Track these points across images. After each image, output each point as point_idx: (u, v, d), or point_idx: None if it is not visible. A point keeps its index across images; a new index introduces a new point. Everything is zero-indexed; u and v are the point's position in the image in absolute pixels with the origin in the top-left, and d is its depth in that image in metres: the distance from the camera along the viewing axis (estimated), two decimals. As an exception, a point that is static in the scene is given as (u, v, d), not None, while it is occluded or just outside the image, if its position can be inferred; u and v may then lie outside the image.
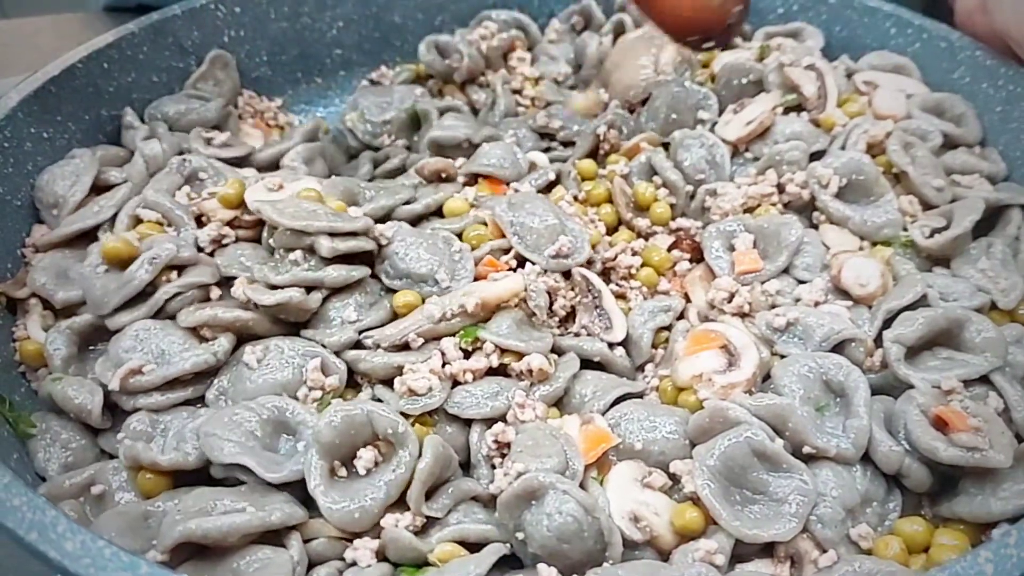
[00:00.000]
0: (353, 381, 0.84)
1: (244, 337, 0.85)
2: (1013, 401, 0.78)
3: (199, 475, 0.77)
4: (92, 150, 1.05)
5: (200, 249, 0.93)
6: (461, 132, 1.13)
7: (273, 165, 1.12)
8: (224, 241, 0.94)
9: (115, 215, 0.95)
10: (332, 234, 0.86)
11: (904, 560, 0.71)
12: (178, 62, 1.20)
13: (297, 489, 0.73)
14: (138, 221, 0.94)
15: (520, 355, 0.83)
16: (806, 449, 0.75)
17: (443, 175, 1.00)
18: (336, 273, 0.86)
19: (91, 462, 0.81)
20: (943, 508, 0.75)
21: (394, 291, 0.89)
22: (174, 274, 0.87)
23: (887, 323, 0.85)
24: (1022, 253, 0.94)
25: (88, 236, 0.96)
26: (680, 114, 1.11)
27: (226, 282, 0.90)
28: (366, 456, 0.73)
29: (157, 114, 1.12)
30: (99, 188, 1.01)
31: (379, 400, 0.80)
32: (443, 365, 0.81)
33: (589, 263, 0.93)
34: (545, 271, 0.90)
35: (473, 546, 0.71)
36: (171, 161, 1.02)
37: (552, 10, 1.40)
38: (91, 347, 0.89)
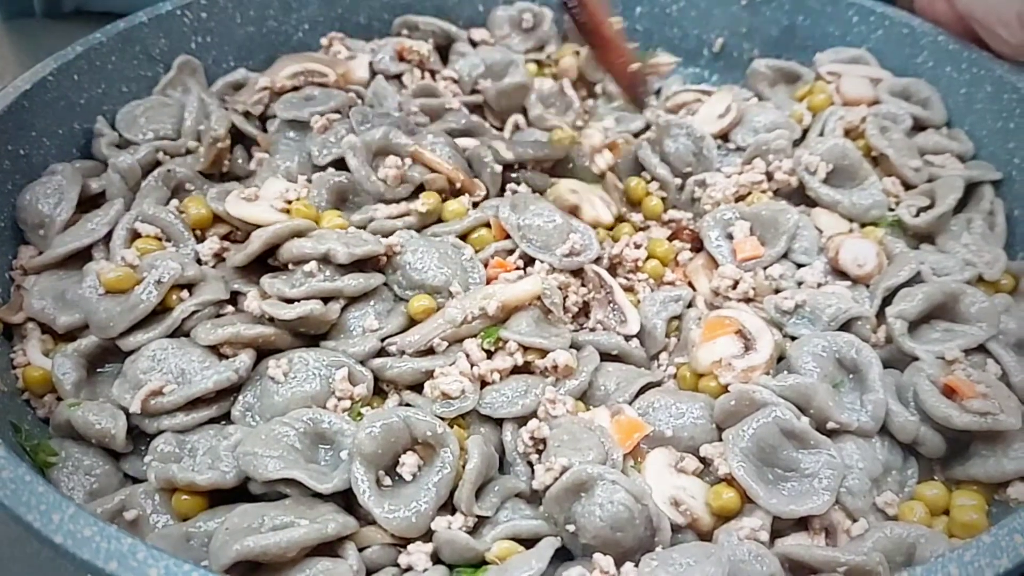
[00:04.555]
0: (378, 388, 0.84)
1: (263, 352, 0.84)
2: (1011, 367, 0.83)
3: (234, 492, 0.76)
4: (71, 165, 1.01)
5: (201, 263, 0.91)
6: None
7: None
8: (225, 255, 0.92)
9: (109, 233, 0.93)
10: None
11: (928, 523, 0.76)
12: (146, 71, 1.17)
13: (340, 498, 0.73)
14: (135, 234, 0.92)
15: (542, 352, 0.84)
16: (829, 425, 0.78)
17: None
18: (355, 282, 0.85)
19: (116, 487, 0.79)
20: (956, 471, 0.80)
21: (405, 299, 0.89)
22: (184, 292, 0.86)
23: (886, 300, 0.89)
24: (998, 227, 1.00)
25: (81, 255, 0.93)
26: None
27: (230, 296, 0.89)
28: (409, 462, 0.74)
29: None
30: (82, 202, 0.98)
31: (409, 405, 0.80)
32: (471, 367, 0.82)
33: (597, 259, 0.95)
34: (554, 269, 0.92)
35: (523, 542, 0.72)
36: (158, 171, 0.99)
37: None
38: (98, 369, 0.87)
